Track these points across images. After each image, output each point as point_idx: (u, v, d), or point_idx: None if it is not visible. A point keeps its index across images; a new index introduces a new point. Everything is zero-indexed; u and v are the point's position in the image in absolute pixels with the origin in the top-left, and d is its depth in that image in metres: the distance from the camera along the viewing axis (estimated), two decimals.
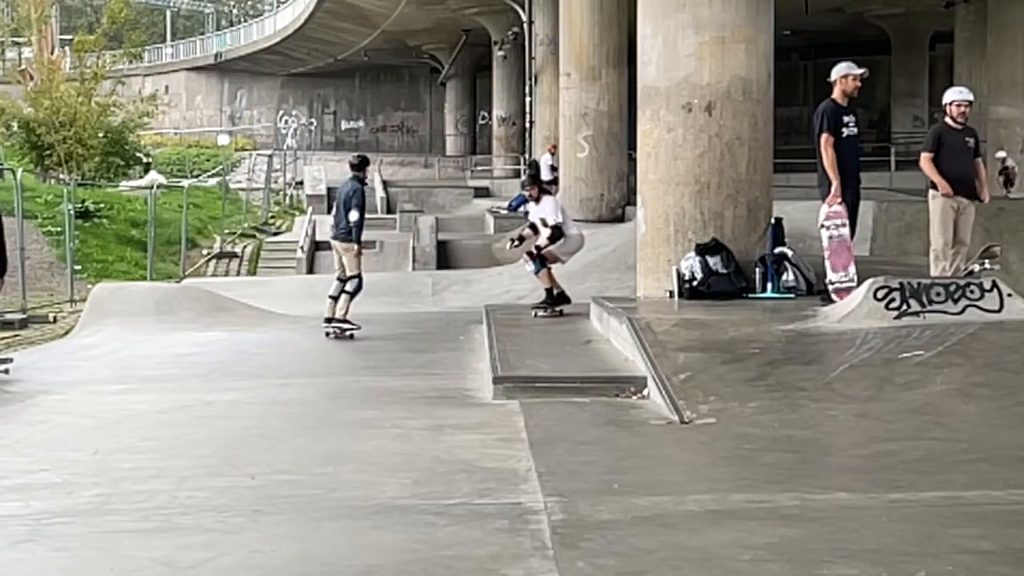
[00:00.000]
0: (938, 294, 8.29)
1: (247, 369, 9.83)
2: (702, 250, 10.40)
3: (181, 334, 11.93)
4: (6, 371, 9.06)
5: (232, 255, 27.94)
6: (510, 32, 37.61)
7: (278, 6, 58.47)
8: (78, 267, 22.26)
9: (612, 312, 9.60)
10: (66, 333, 14.35)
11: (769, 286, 10.36)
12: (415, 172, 47.70)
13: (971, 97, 10.04)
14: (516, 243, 12.28)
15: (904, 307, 8.26)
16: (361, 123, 61.18)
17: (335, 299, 11.89)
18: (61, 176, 33.80)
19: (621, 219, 21.29)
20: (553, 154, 25.11)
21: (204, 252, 27.85)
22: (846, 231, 9.49)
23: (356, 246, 11.88)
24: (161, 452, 6.40)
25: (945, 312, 8.20)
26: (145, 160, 40.69)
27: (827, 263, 9.54)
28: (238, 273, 26.02)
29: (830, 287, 9.49)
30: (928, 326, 8.05)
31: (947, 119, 9.99)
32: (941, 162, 9.83)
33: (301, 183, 42.45)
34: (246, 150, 52.49)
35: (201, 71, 61.26)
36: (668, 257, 10.72)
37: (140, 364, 10.24)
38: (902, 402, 6.83)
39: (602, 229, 18.83)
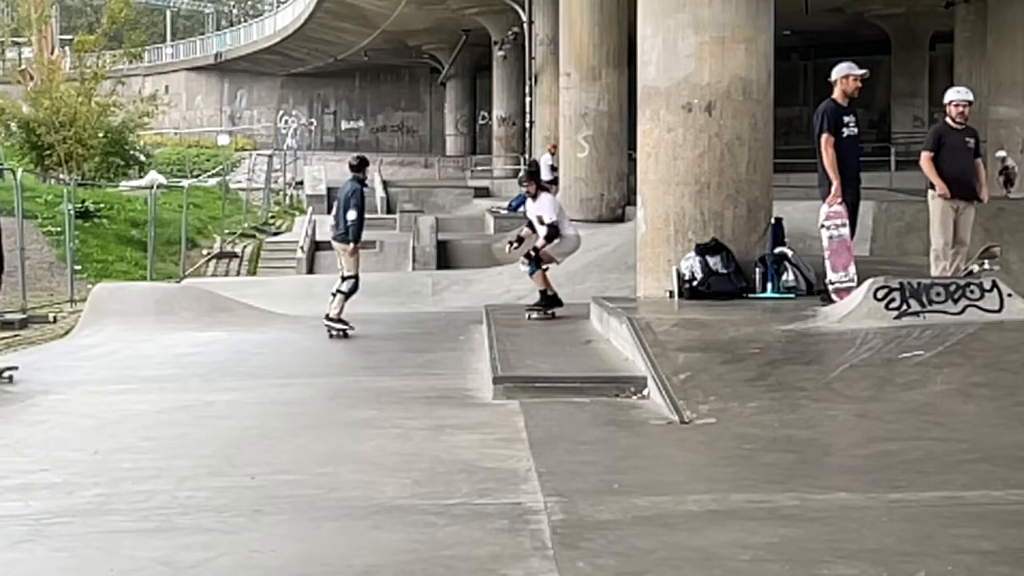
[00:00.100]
0: (938, 294, 8.29)
1: (247, 369, 9.83)
2: (702, 250, 10.40)
3: (181, 334, 11.92)
4: (10, 379, 9.05)
5: (232, 255, 27.94)
6: (510, 32, 37.61)
7: (278, 6, 58.48)
8: (78, 267, 22.26)
9: (612, 312, 9.60)
10: (66, 333, 14.35)
11: (769, 286, 10.36)
12: (415, 172, 47.70)
13: (971, 97, 10.04)
14: (515, 244, 12.19)
15: (904, 307, 8.26)
16: (361, 123, 61.19)
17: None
18: (61, 176, 33.81)
19: (621, 219, 21.29)
20: (553, 154, 25.12)
21: (204, 252, 27.85)
22: (846, 231, 9.49)
23: (352, 245, 11.92)
24: (161, 452, 6.40)
25: (945, 312, 8.20)
26: (144, 160, 40.61)
27: (827, 263, 9.54)
28: (238, 273, 26.02)
29: (830, 287, 9.49)
30: (928, 326, 8.05)
31: (947, 119, 10.00)
32: (941, 162, 9.83)
33: (301, 183, 42.47)
34: (246, 150, 52.50)
35: (201, 71, 61.27)
36: (668, 257, 10.72)
37: (140, 364, 10.24)
38: (902, 402, 6.83)
39: (602, 229, 18.83)
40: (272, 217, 37.04)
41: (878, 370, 7.37)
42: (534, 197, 11.60)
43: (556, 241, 11.42)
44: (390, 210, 34.62)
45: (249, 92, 61.17)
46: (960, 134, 9.88)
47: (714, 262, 10.34)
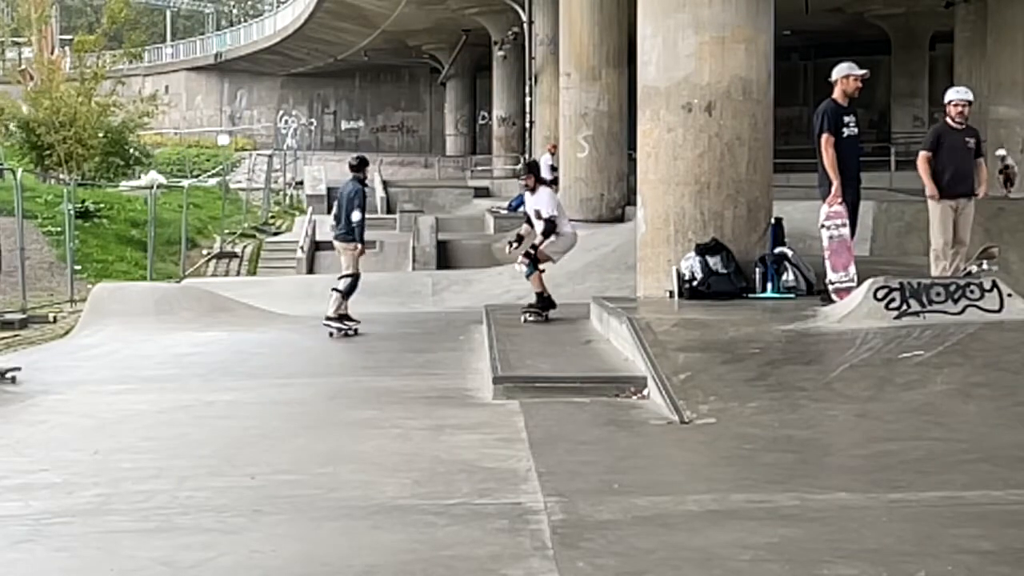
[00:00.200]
0: (938, 294, 8.29)
1: (247, 369, 9.83)
2: (702, 250, 10.40)
3: (181, 334, 11.92)
4: (13, 379, 9.05)
5: (232, 255, 27.94)
6: (510, 32, 37.61)
7: (278, 6, 58.47)
8: (78, 267, 22.25)
9: (612, 312, 9.60)
10: (66, 333, 14.35)
11: (769, 286, 10.36)
12: (415, 172, 47.69)
13: (970, 97, 10.04)
14: (515, 243, 12.01)
15: (904, 307, 8.26)
16: (361, 123, 61.19)
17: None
18: (61, 176, 33.80)
19: (621, 219, 21.29)
20: (553, 154, 25.11)
21: (204, 252, 27.85)
22: (846, 231, 9.49)
23: (360, 246, 12.00)
24: (161, 452, 6.40)
25: (945, 312, 8.21)
26: (144, 160, 40.60)
27: (827, 263, 9.54)
28: (238, 273, 26.01)
29: (830, 287, 9.49)
30: (928, 326, 8.05)
31: (947, 119, 10.00)
32: (940, 162, 9.84)
33: (301, 183, 42.46)
34: (246, 150, 52.49)
35: (201, 71, 61.27)
36: (668, 257, 10.72)
37: (140, 364, 10.23)
38: (902, 402, 6.83)
39: (602, 229, 18.84)
40: (272, 217, 37.04)
41: (878, 370, 7.37)
42: (532, 191, 11.41)
43: (552, 239, 11.21)
44: (390, 210, 34.61)
45: (249, 92, 61.17)
46: (960, 134, 9.89)
47: (714, 262, 10.34)
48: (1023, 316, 8.19)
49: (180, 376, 9.43)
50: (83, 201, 27.37)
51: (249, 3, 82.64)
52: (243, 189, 39.48)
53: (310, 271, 23.92)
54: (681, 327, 8.93)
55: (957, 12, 28.41)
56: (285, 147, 52.56)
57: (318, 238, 25.06)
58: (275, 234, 32.60)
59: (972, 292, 8.30)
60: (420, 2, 40.28)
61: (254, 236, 31.37)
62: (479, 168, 44.01)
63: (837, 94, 9.63)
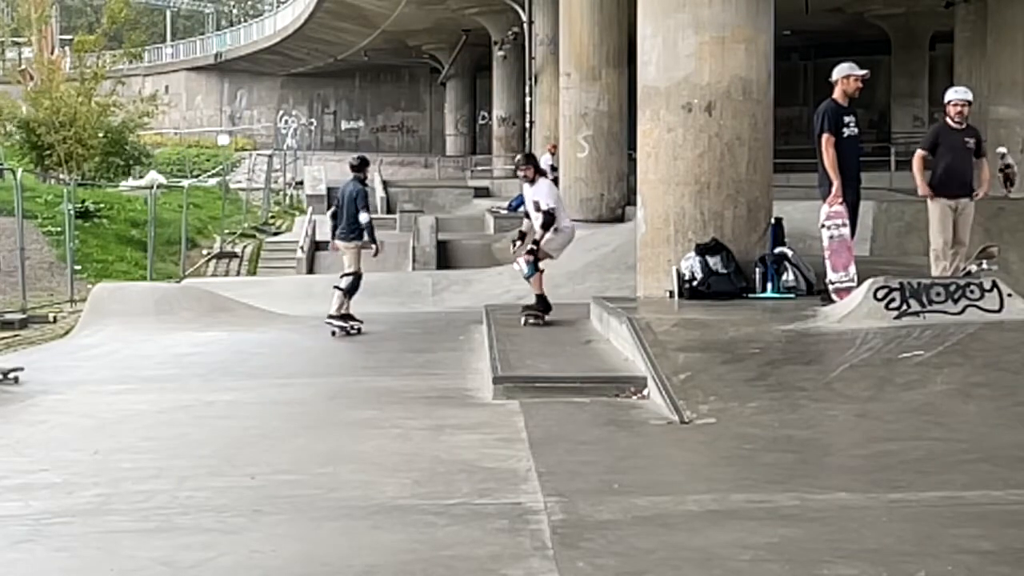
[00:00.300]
0: (938, 294, 8.30)
1: (247, 369, 9.83)
2: (702, 250, 10.40)
3: (181, 334, 11.92)
4: (16, 379, 9.05)
5: (232, 255, 27.94)
6: (510, 32, 37.61)
7: (278, 6, 58.48)
8: (78, 267, 22.25)
9: (612, 312, 9.60)
10: (66, 333, 14.35)
11: (769, 286, 10.37)
12: (415, 172, 47.70)
13: (969, 97, 10.05)
14: (519, 240, 11.57)
15: (904, 307, 8.26)
16: (361, 123, 61.20)
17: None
18: (61, 176, 33.80)
19: (621, 219, 21.29)
20: (553, 154, 25.12)
21: (204, 252, 27.85)
22: (847, 231, 9.49)
23: (375, 246, 12.09)
24: (161, 452, 6.40)
25: (945, 312, 8.21)
26: (143, 159, 40.60)
27: (827, 263, 9.54)
28: (238, 273, 26.01)
29: (830, 287, 9.49)
30: (928, 326, 8.05)
31: (947, 119, 10.01)
32: (939, 162, 9.85)
33: (301, 183, 42.48)
34: (246, 150, 52.50)
35: (201, 71, 61.28)
36: (668, 257, 10.72)
37: (140, 364, 10.23)
38: (902, 402, 6.83)
39: (602, 229, 18.84)
40: (272, 217, 37.04)
41: (878, 370, 7.37)
42: (532, 182, 11.04)
43: (550, 236, 10.89)
44: (390, 210, 34.62)
45: (249, 92, 61.17)
46: (960, 134, 9.89)
47: (714, 262, 10.34)
48: (1023, 316, 8.19)
49: (180, 376, 9.43)
50: (83, 201, 27.37)
51: (249, 3, 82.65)
52: (243, 189, 39.49)
53: (310, 271, 23.92)
54: (681, 327, 8.93)
55: (957, 12, 28.41)
56: (285, 147, 52.57)
57: (318, 238, 25.05)
58: (275, 234, 32.61)
59: (972, 292, 8.31)
60: (420, 2, 40.29)
61: (254, 236, 31.38)
62: (479, 168, 44.02)
63: (837, 94, 9.63)
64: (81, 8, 73.35)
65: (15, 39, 45.33)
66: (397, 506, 5.11)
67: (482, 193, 36.17)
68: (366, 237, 12.07)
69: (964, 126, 9.94)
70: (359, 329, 11.92)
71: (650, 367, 7.71)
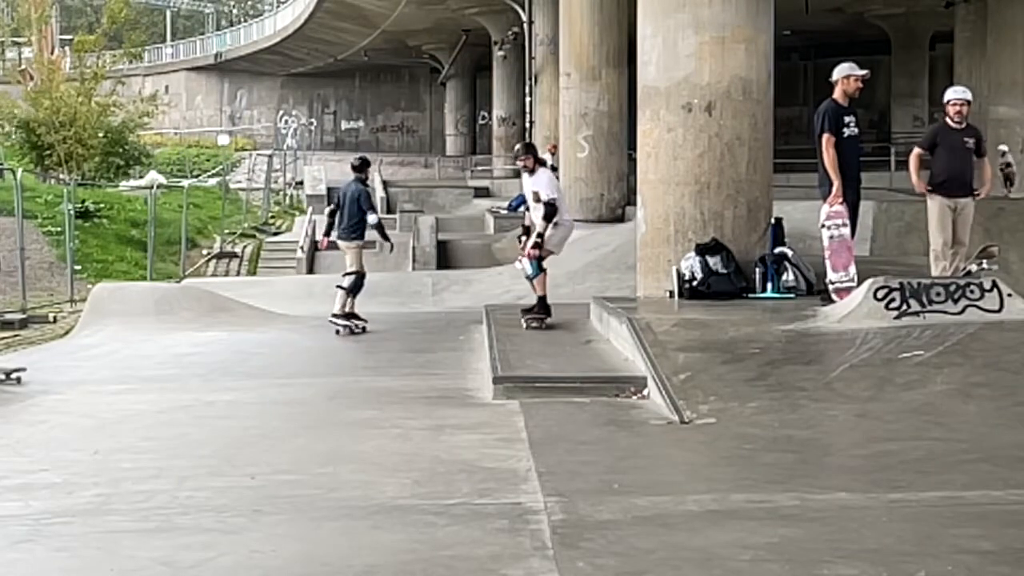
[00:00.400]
0: (938, 294, 8.29)
1: (247, 369, 9.83)
2: (702, 250, 10.40)
3: (181, 334, 11.93)
4: (18, 380, 9.05)
5: (232, 255, 27.94)
6: (510, 32, 37.61)
7: (278, 6, 58.48)
8: (78, 267, 22.25)
9: (612, 312, 9.60)
10: (66, 333, 14.35)
11: (769, 286, 10.36)
12: (415, 172, 47.70)
13: (969, 96, 10.05)
14: (524, 235, 11.17)
15: (904, 307, 8.26)
16: (361, 123, 61.19)
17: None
18: (61, 176, 33.79)
19: (621, 219, 21.28)
20: (553, 154, 25.10)
21: (204, 252, 27.85)
22: (847, 231, 9.49)
23: (389, 244, 12.22)
24: (161, 452, 6.40)
25: (945, 312, 8.21)
26: (143, 159, 40.60)
27: (827, 263, 9.54)
28: (238, 273, 26.01)
29: (830, 287, 9.49)
30: (928, 326, 8.05)
31: (947, 119, 10.01)
32: (938, 161, 9.86)
33: (301, 183, 42.47)
34: (246, 150, 52.49)
35: (201, 71, 61.27)
36: (668, 257, 10.72)
37: (140, 364, 10.24)
38: (902, 402, 6.83)
39: (602, 229, 18.84)
40: (272, 217, 37.04)
41: (878, 370, 7.37)
42: (531, 172, 10.69)
43: (550, 231, 10.57)
44: (390, 210, 34.62)
45: (249, 92, 61.16)
46: (959, 133, 9.89)
47: (714, 262, 10.33)
48: (1023, 316, 8.19)
49: (180, 376, 9.43)
50: (83, 201, 27.37)
51: (249, 3, 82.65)
52: (243, 189, 39.48)
53: (310, 271, 23.92)
54: (681, 327, 8.93)
55: (957, 12, 28.40)
56: (285, 147, 52.56)
57: (318, 238, 25.01)
58: (275, 234, 32.61)
59: (972, 292, 8.31)
60: (420, 2, 40.28)
61: (254, 236, 31.38)
62: (479, 168, 44.02)
63: (838, 94, 9.63)
64: (81, 8, 73.35)
65: (15, 39, 45.33)
66: (397, 506, 5.11)
67: (482, 193, 36.17)
68: (376, 236, 12.19)
69: (964, 126, 9.94)
70: (364, 328, 11.95)
71: (650, 367, 7.71)
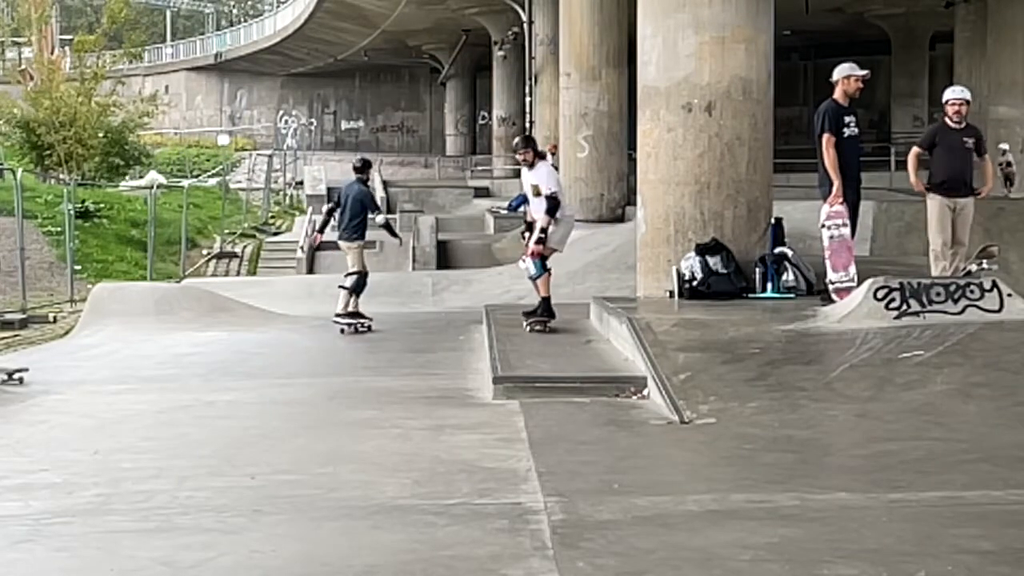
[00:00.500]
0: (938, 294, 8.29)
1: (247, 369, 9.83)
2: (702, 250, 10.40)
3: (181, 334, 11.92)
4: (20, 380, 9.05)
5: (232, 255, 27.95)
6: (510, 32, 37.62)
7: (278, 6, 58.49)
8: (78, 267, 22.26)
9: (612, 312, 9.60)
10: (66, 333, 14.35)
11: (769, 286, 10.36)
12: (415, 172, 47.72)
13: (968, 96, 10.05)
14: (527, 231, 10.88)
15: (904, 307, 8.26)
16: (361, 123, 61.21)
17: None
18: (61, 176, 33.80)
19: (621, 219, 21.28)
20: (553, 154, 25.07)
21: (204, 252, 27.86)
22: (847, 231, 9.49)
23: (398, 240, 12.28)
24: (161, 452, 6.39)
25: (945, 312, 8.20)
26: (143, 159, 40.60)
27: (827, 263, 9.54)
28: (238, 273, 26.02)
29: (830, 287, 9.49)
30: (928, 326, 8.05)
31: (946, 119, 10.01)
32: (936, 161, 9.86)
33: (301, 183, 42.49)
34: (246, 150, 52.51)
35: (201, 71, 61.28)
36: (668, 257, 10.72)
37: (140, 364, 10.23)
38: (902, 402, 6.83)
39: (602, 229, 18.84)
40: (272, 217, 37.05)
41: (878, 370, 7.37)
42: (531, 165, 10.37)
43: (552, 228, 10.30)
44: (390, 210, 34.62)
45: (249, 92, 61.17)
46: (959, 133, 9.89)
47: (714, 262, 10.33)
48: (1023, 316, 8.19)
49: (180, 376, 9.43)
50: (83, 201, 27.38)
51: (249, 3, 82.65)
52: (243, 189, 39.50)
53: (310, 271, 23.91)
54: (681, 327, 8.93)
55: (957, 12, 28.40)
56: (285, 147, 52.58)
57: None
58: (275, 234, 32.62)
59: (972, 292, 8.30)
60: (420, 2, 40.29)
61: (254, 236, 31.39)
62: (479, 168, 44.04)
63: (838, 94, 9.63)
64: (81, 8, 73.35)
65: (15, 39, 45.33)
66: (397, 506, 5.11)
67: (482, 193, 36.18)
68: (376, 236, 12.23)
69: (963, 125, 9.94)
70: (368, 327, 11.97)
71: (650, 367, 7.70)
